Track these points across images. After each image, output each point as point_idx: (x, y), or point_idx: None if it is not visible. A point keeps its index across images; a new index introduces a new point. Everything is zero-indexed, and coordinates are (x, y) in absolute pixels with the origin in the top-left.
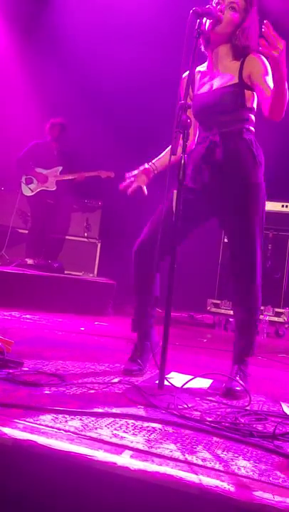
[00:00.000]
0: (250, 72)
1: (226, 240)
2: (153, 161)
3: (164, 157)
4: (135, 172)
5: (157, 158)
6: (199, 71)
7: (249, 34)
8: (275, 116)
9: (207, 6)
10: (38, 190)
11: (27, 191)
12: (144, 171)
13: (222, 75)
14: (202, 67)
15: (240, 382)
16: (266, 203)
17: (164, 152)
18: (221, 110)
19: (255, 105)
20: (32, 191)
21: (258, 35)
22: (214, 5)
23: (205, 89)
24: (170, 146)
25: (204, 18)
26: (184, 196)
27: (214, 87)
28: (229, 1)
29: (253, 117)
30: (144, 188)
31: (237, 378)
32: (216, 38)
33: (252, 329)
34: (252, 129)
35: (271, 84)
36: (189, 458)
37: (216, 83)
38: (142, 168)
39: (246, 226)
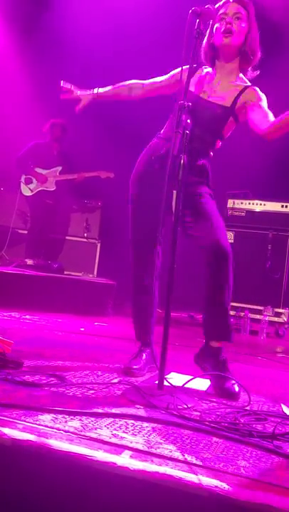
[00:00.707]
0: (246, 100)
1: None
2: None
3: (109, 89)
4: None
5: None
6: (203, 68)
7: (256, 40)
8: (273, 138)
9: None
10: (38, 190)
11: (26, 191)
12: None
13: (220, 92)
14: (206, 67)
15: (237, 381)
16: (266, 203)
17: (112, 86)
18: (202, 123)
19: (227, 135)
20: (31, 191)
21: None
22: (221, 20)
23: (200, 92)
24: (120, 84)
25: (209, 36)
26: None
27: (208, 97)
28: (234, 12)
29: (220, 144)
30: (83, 103)
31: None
32: (228, 50)
33: (225, 307)
34: (212, 154)
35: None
36: (189, 458)
37: (212, 95)
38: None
39: (207, 202)
